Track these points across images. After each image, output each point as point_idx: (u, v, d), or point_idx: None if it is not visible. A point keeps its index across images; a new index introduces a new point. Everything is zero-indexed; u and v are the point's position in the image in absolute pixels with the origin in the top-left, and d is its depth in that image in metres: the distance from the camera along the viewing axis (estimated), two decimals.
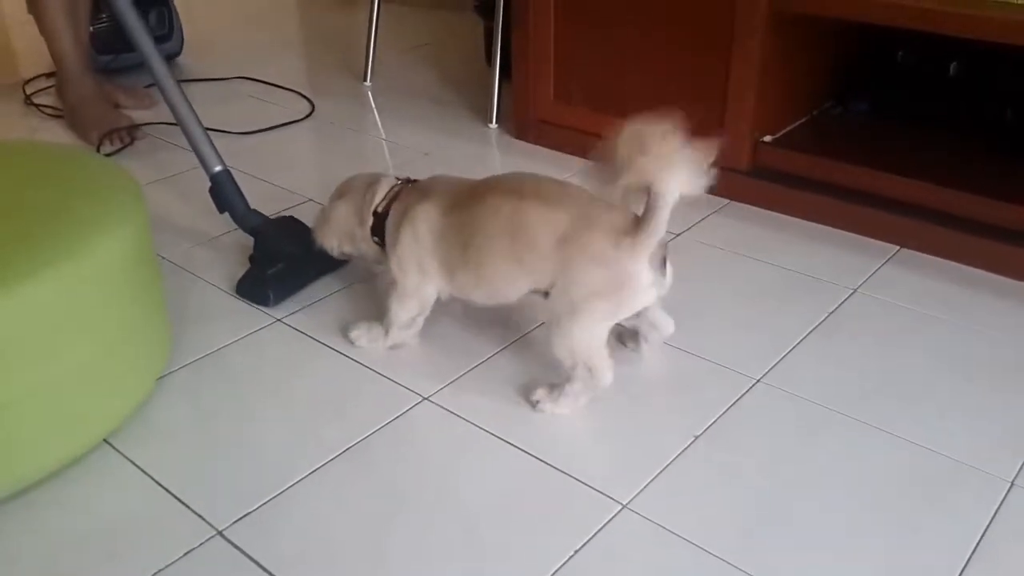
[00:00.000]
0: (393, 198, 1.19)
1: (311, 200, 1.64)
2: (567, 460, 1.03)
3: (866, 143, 1.61)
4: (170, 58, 2.39)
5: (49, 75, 2.19)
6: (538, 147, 1.87)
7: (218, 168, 1.35)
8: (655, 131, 0.95)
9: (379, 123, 2.06)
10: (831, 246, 1.47)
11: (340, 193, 1.25)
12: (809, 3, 1.45)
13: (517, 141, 1.91)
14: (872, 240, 1.48)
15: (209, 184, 1.37)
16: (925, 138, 1.61)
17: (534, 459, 1.04)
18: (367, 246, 1.23)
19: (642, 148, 0.94)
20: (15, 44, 2.67)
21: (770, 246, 1.47)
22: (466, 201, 1.11)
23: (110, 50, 2.19)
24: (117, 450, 1.06)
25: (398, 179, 1.22)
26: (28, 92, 2.18)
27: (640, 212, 1.00)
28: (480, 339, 1.25)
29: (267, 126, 2.00)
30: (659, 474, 1.01)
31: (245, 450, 1.06)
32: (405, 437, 1.08)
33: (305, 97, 2.17)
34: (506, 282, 1.10)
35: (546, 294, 1.09)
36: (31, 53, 2.40)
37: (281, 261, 1.35)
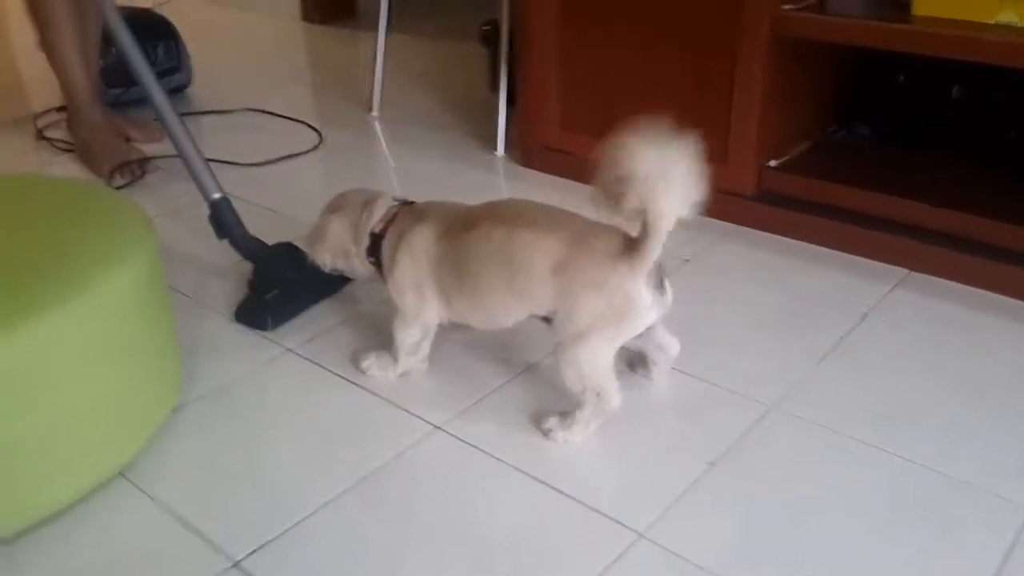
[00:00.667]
0: (391, 220, 1.18)
1: None
2: (581, 489, 1.03)
3: (871, 166, 1.62)
4: (179, 90, 2.42)
5: (60, 109, 2.21)
6: (544, 174, 1.88)
7: (216, 195, 1.37)
8: (652, 145, 0.95)
9: (386, 152, 2.07)
10: (840, 270, 1.48)
11: (334, 208, 1.24)
12: (810, 28, 1.47)
13: (523, 168, 1.92)
14: (881, 264, 1.48)
15: (208, 211, 1.39)
16: (930, 161, 1.62)
17: (548, 488, 1.04)
18: (361, 265, 1.22)
19: (640, 166, 0.94)
20: (26, 77, 2.70)
21: (779, 271, 1.48)
22: (460, 227, 1.11)
23: (120, 83, 2.22)
24: (132, 483, 1.07)
25: (395, 199, 1.22)
26: (40, 126, 2.20)
27: (636, 233, 1.00)
28: (491, 367, 1.25)
29: (275, 157, 2.02)
30: (674, 502, 1.01)
31: (259, 481, 1.06)
32: (418, 467, 1.08)
33: (312, 128, 2.19)
34: (502, 308, 1.11)
35: (546, 319, 1.10)
36: (42, 86, 2.43)
37: (279, 286, 1.37)
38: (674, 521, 0.98)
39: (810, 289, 1.42)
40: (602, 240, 1.03)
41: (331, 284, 1.42)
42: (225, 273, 1.53)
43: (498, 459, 1.09)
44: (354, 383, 1.23)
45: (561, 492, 1.03)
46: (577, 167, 1.83)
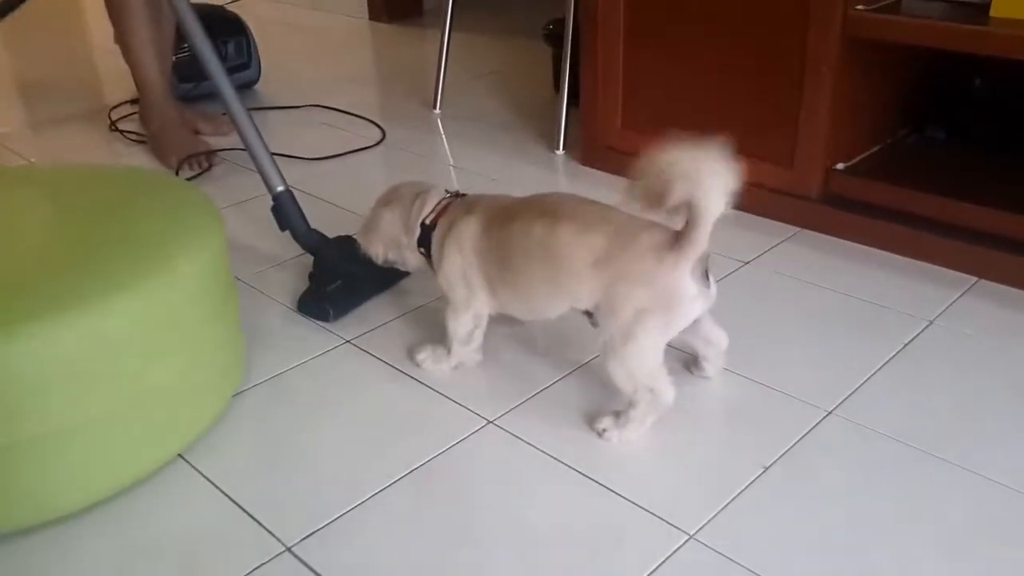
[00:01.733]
0: (441, 211, 1.20)
1: None
2: (633, 488, 1.03)
3: (943, 171, 1.57)
4: (248, 86, 2.47)
5: (133, 102, 2.28)
6: (605, 173, 1.87)
7: (280, 188, 1.40)
8: (695, 152, 0.95)
9: (448, 149, 2.09)
10: (906, 276, 1.44)
11: (386, 200, 1.26)
12: (883, 29, 1.43)
13: (584, 167, 1.91)
14: (949, 271, 1.44)
15: (272, 203, 1.42)
16: (1003, 166, 1.57)
17: (599, 486, 1.03)
18: (412, 256, 1.24)
19: (683, 165, 0.95)
20: (101, 71, 2.79)
21: (842, 275, 1.45)
22: (504, 219, 1.12)
23: (192, 78, 2.27)
24: (192, 465, 1.09)
25: (447, 192, 1.23)
26: (113, 118, 2.27)
27: (679, 228, 1.00)
28: (545, 364, 1.25)
29: (338, 152, 2.05)
30: (727, 505, 0.99)
31: (314, 468, 1.08)
32: (469, 460, 1.08)
33: (376, 124, 2.22)
34: (544, 301, 1.12)
35: (588, 313, 1.10)
36: (117, 80, 2.51)
37: (340, 278, 1.39)
38: (725, 524, 0.97)
39: (874, 294, 1.39)
40: (646, 233, 1.03)
41: (390, 277, 1.44)
42: (287, 265, 1.56)
43: (549, 455, 1.08)
44: (409, 375, 1.24)
45: (612, 490, 1.02)
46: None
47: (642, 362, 1.04)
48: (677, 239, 1.00)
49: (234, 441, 1.14)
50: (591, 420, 1.12)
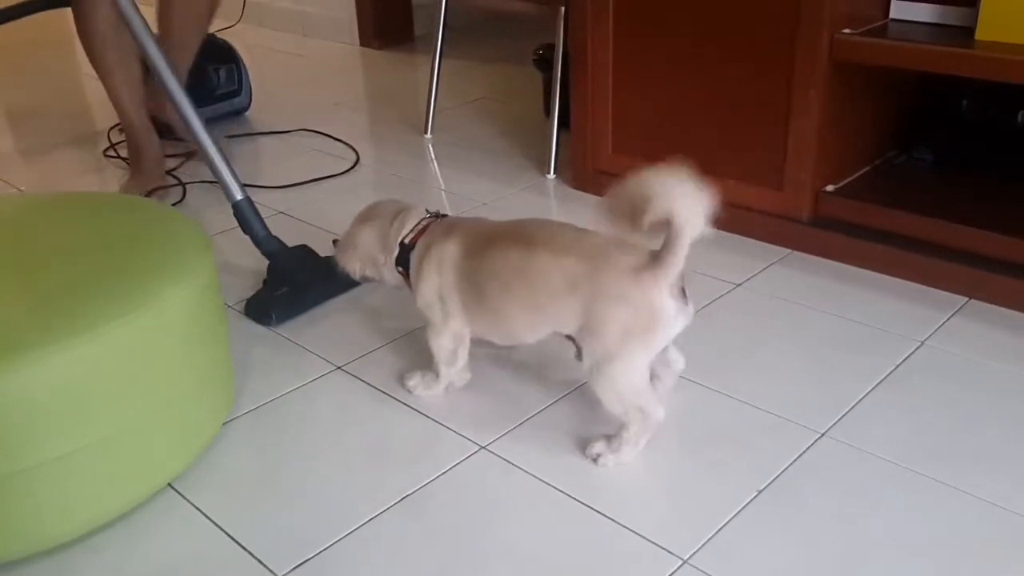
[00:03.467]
0: (421, 231, 1.20)
1: None
2: (626, 513, 1.02)
3: (931, 192, 1.58)
4: (239, 112, 2.47)
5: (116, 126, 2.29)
6: (596, 197, 1.88)
7: (239, 197, 1.46)
8: (670, 173, 0.96)
9: (439, 174, 2.09)
10: (896, 297, 1.44)
11: (365, 218, 1.26)
12: (869, 53, 1.45)
13: (575, 191, 1.92)
14: (939, 291, 1.45)
15: (232, 211, 1.48)
16: (991, 188, 1.58)
17: (592, 511, 1.03)
18: (390, 274, 1.24)
19: (661, 185, 0.96)
20: (91, 98, 2.79)
21: (833, 297, 1.45)
22: (482, 245, 1.13)
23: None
24: (181, 494, 1.08)
25: (427, 212, 1.23)
26: (113, 140, 2.27)
27: (657, 248, 1.01)
28: (536, 389, 1.25)
29: (325, 175, 2.05)
30: (720, 529, 0.99)
31: (304, 496, 1.07)
32: (462, 486, 1.08)
33: (353, 149, 2.22)
34: (523, 326, 1.12)
35: (571, 338, 1.10)
36: (107, 107, 2.51)
37: (287, 285, 1.44)
38: (719, 548, 0.96)
39: (865, 315, 1.39)
40: (623, 254, 1.03)
41: (337, 286, 1.49)
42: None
43: (543, 481, 1.08)
44: (400, 401, 1.24)
45: (605, 515, 1.02)
46: None
47: (628, 382, 1.04)
48: (654, 258, 1.01)
49: (224, 470, 1.13)
50: (583, 445, 1.12)
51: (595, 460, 1.09)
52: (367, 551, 0.98)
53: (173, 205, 1.93)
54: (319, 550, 0.99)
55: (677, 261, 0.99)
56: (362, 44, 3.27)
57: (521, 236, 1.10)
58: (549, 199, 1.91)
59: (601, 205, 1.00)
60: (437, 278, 1.16)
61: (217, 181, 1.47)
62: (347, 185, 2.03)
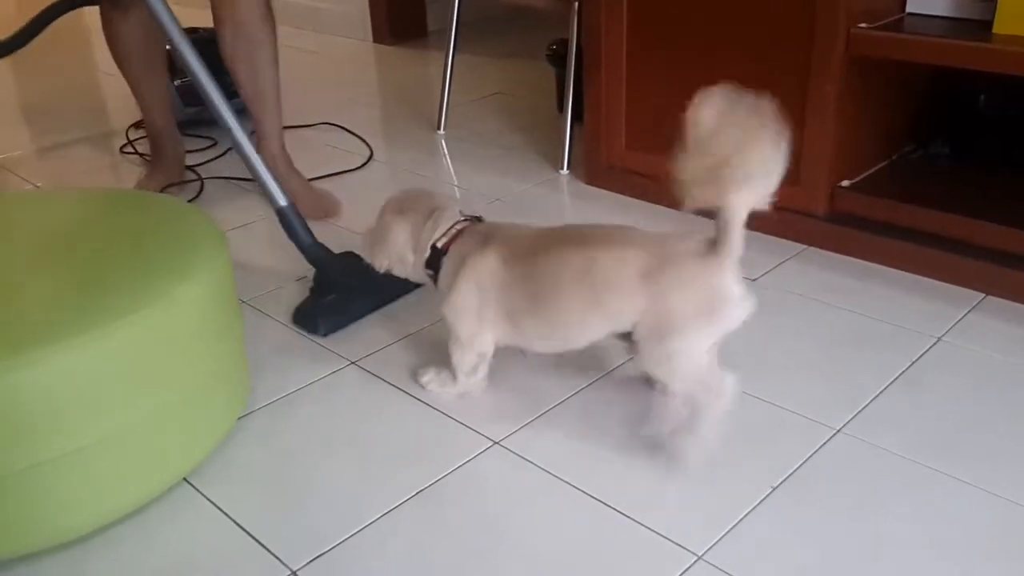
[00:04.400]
0: (455, 236, 1.17)
1: None
2: (640, 508, 1.02)
3: (948, 188, 1.57)
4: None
5: (138, 124, 2.30)
6: (609, 192, 1.87)
7: (283, 203, 1.43)
8: (738, 104, 0.94)
9: (451, 169, 2.09)
10: (913, 293, 1.43)
11: (398, 210, 1.22)
12: (886, 47, 1.44)
13: (588, 187, 1.92)
14: (956, 287, 1.44)
15: (277, 218, 1.44)
16: (1009, 183, 1.57)
17: (606, 507, 1.02)
18: (416, 274, 1.22)
19: (727, 121, 0.95)
20: (107, 95, 2.80)
21: (849, 293, 1.44)
22: (530, 252, 1.10)
23: (196, 102, 2.29)
24: (196, 489, 1.09)
25: (462, 214, 1.20)
26: (131, 137, 2.28)
27: (712, 235, 1.00)
28: (550, 384, 1.25)
29: (338, 170, 2.05)
30: (735, 525, 0.99)
31: (319, 491, 1.07)
32: (475, 481, 1.08)
33: (367, 144, 2.22)
34: (582, 329, 1.10)
35: (623, 336, 1.09)
36: (122, 104, 2.52)
37: (336, 292, 1.41)
38: (734, 545, 0.96)
39: (880, 312, 1.38)
40: (682, 243, 1.03)
41: (388, 293, 1.45)
42: (291, 286, 1.56)
43: (556, 476, 1.08)
44: (415, 397, 1.24)
45: (618, 511, 1.02)
46: (641, 185, 1.83)
47: (691, 362, 1.03)
48: (714, 244, 1.00)
49: (239, 464, 1.13)
50: (598, 440, 1.12)
51: (676, 456, 1.07)
52: (381, 546, 0.99)
53: (190, 200, 1.93)
54: (333, 544, 0.99)
55: (736, 245, 0.99)
56: (375, 40, 3.28)
57: (573, 238, 1.09)
58: (563, 195, 1.91)
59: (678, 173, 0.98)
60: (476, 293, 1.13)
61: (258, 185, 1.44)
62: (360, 181, 2.03)
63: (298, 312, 1.42)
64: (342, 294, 1.41)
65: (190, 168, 2.08)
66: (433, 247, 1.18)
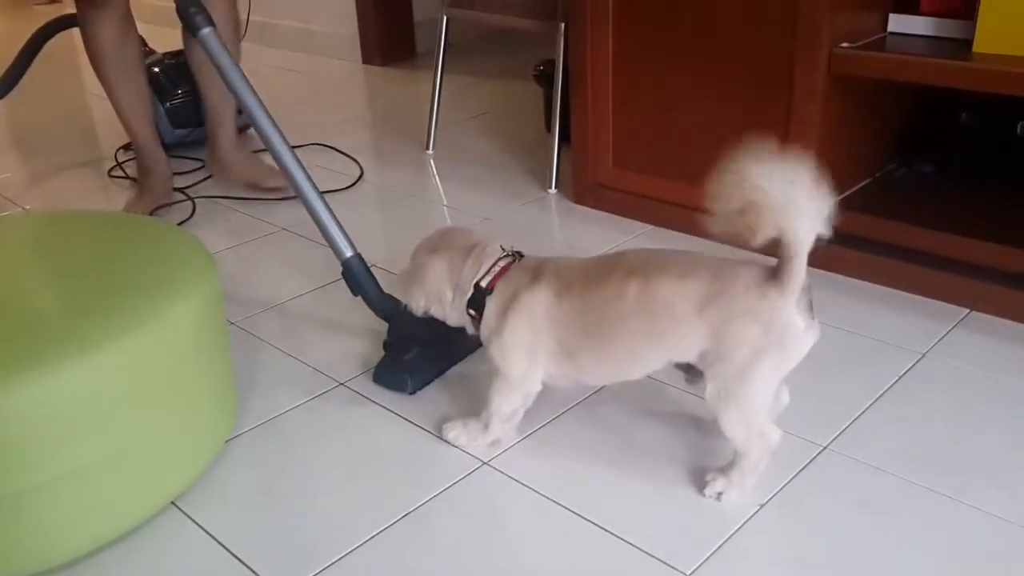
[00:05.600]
0: (499, 274, 1.12)
1: (375, 265, 1.67)
2: (628, 528, 1.02)
3: (932, 204, 1.59)
4: (243, 130, 2.49)
5: (126, 147, 2.30)
6: (597, 211, 1.88)
7: (349, 254, 1.34)
8: (769, 168, 0.92)
9: (440, 189, 2.10)
10: (897, 309, 1.44)
11: (434, 248, 1.16)
12: (868, 66, 1.45)
13: (576, 206, 1.93)
14: (940, 303, 1.45)
15: (341, 269, 1.36)
16: (992, 199, 1.58)
17: (594, 526, 1.03)
18: (456, 315, 1.16)
19: (764, 192, 0.91)
20: (97, 119, 2.81)
21: (834, 309, 1.45)
22: (583, 283, 1.07)
23: (186, 124, 2.30)
24: (184, 512, 1.08)
25: (503, 249, 1.15)
26: (119, 160, 2.29)
27: (774, 262, 0.98)
28: (538, 405, 1.24)
29: (328, 189, 2.06)
30: (723, 544, 0.99)
31: (307, 513, 1.07)
32: (465, 502, 1.08)
33: (357, 164, 2.23)
34: (640, 360, 1.07)
35: (685, 368, 1.07)
36: (112, 127, 2.52)
37: (416, 346, 1.32)
38: (722, 563, 0.96)
39: (865, 328, 1.39)
40: (743, 272, 0.99)
41: (468, 343, 1.34)
42: (280, 309, 1.56)
43: (545, 496, 1.08)
44: (402, 417, 1.24)
45: (607, 530, 1.02)
46: (629, 204, 1.84)
47: (757, 405, 1.00)
48: (776, 274, 0.97)
49: (227, 487, 1.13)
50: (584, 459, 1.12)
51: (718, 498, 1.05)
52: (370, 568, 0.99)
53: (182, 223, 1.94)
54: (322, 567, 0.99)
55: (799, 274, 0.96)
56: (364, 61, 3.29)
57: (633, 268, 1.04)
58: (551, 213, 1.92)
59: (711, 222, 0.94)
60: (529, 331, 1.08)
61: (323, 236, 1.36)
62: (350, 200, 2.04)
63: (380, 370, 1.33)
64: (423, 347, 1.32)
65: (180, 190, 2.09)
66: (476, 286, 1.13)
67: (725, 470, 1.06)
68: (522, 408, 1.15)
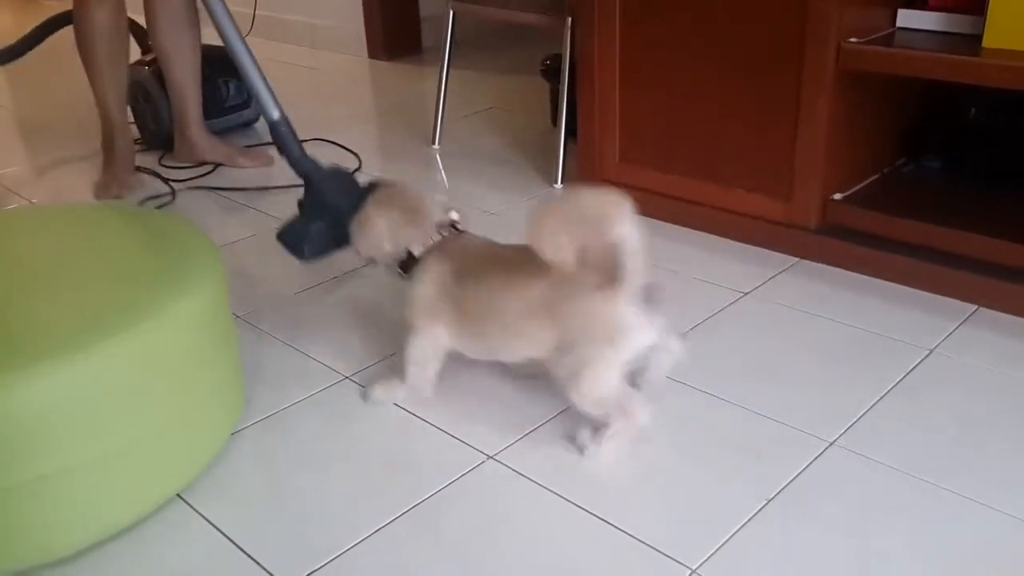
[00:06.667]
0: (430, 245, 1.24)
1: None
2: (635, 522, 1.02)
3: (940, 200, 1.58)
4: (248, 125, 2.49)
5: (136, 140, 2.30)
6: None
7: (277, 115, 1.44)
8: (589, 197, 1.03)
9: (446, 184, 2.10)
10: (905, 305, 1.44)
11: (383, 204, 1.28)
12: (876, 62, 1.45)
13: None
14: (948, 299, 1.44)
15: (270, 130, 1.46)
16: (1000, 195, 1.58)
17: (600, 520, 1.02)
18: (390, 269, 1.29)
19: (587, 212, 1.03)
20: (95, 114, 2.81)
21: (842, 305, 1.45)
22: (476, 271, 1.18)
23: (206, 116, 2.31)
24: (190, 505, 1.09)
25: (439, 223, 1.25)
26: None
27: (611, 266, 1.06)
28: (543, 398, 1.25)
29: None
30: (729, 538, 0.99)
31: (313, 507, 1.07)
32: (470, 496, 1.08)
33: (357, 156, 2.24)
34: (506, 348, 1.19)
35: (545, 360, 1.14)
36: None
37: (325, 217, 1.40)
38: (727, 558, 0.96)
39: (873, 324, 1.39)
40: (587, 275, 1.07)
41: None
42: (287, 302, 1.56)
43: (550, 490, 1.08)
44: (408, 411, 1.24)
45: (613, 525, 1.02)
46: (635, 199, 1.83)
47: (603, 388, 1.09)
48: (613, 276, 1.06)
49: (232, 480, 1.13)
50: (595, 453, 1.12)
51: (581, 451, 1.13)
52: (375, 561, 0.99)
53: (161, 207, 1.98)
54: (327, 560, 0.99)
55: (629, 274, 1.05)
56: (371, 56, 3.29)
57: (509, 261, 1.16)
58: None
59: (543, 251, 1.04)
60: (430, 299, 1.21)
61: (253, 95, 1.49)
62: None
63: (284, 231, 1.42)
64: (332, 220, 1.39)
65: (167, 181, 2.11)
66: (410, 254, 1.24)
67: (595, 428, 1.13)
68: (435, 360, 1.24)
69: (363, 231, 1.28)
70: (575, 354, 1.09)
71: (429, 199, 1.29)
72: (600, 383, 1.09)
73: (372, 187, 1.31)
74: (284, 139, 1.44)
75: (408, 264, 1.25)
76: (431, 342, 1.22)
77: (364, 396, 1.28)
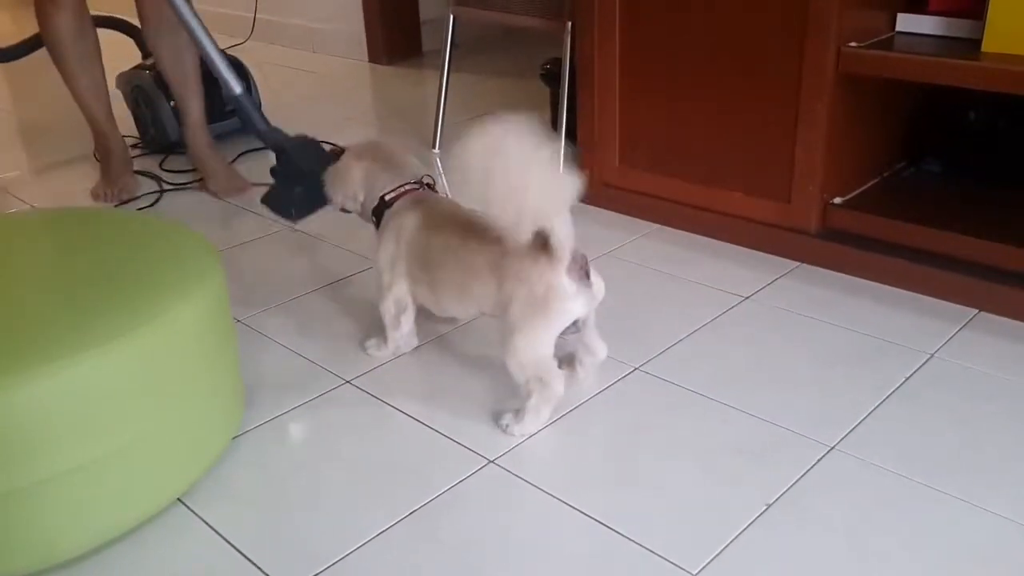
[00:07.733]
0: (401, 194, 1.30)
1: None
2: (635, 527, 1.02)
3: (940, 204, 1.58)
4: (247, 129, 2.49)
5: (134, 145, 2.31)
6: (603, 210, 1.88)
7: (239, 90, 1.51)
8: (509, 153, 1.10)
9: (446, 188, 2.09)
10: (905, 310, 1.44)
11: (360, 155, 1.34)
12: (875, 66, 1.45)
13: (582, 205, 1.92)
14: (949, 303, 1.44)
15: (231, 106, 1.55)
16: (1000, 199, 1.58)
17: (601, 525, 1.02)
18: (364, 215, 1.36)
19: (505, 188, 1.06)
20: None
21: (842, 309, 1.45)
22: (439, 227, 1.24)
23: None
24: (190, 509, 1.08)
25: (414, 176, 1.32)
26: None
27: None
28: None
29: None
30: (730, 543, 0.99)
31: (313, 511, 1.07)
32: (470, 500, 1.08)
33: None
34: (455, 303, 1.25)
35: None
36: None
37: (303, 180, 1.48)
38: (728, 563, 0.96)
39: (873, 328, 1.39)
40: (530, 241, 1.11)
41: None
42: (287, 306, 1.56)
43: (551, 495, 1.08)
44: (409, 416, 1.24)
45: (613, 529, 1.02)
46: (635, 203, 1.84)
47: (529, 353, 1.14)
48: (546, 242, 1.10)
49: (233, 485, 1.13)
50: (590, 459, 1.12)
51: (504, 430, 1.18)
52: (376, 566, 0.98)
53: (151, 206, 2.02)
54: (328, 564, 0.99)
55: (564, 243, 1.08)
56: (371, 60, 3.29)
57: (468, 224, 1.20)
58: None
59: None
60: (392, 245, 1.28)
61: (214, 73, 1.54)
62: None
63: (269, 196, 1.50)
64: (309, 182, 1.46)
65: (157, 179, 2.12)
66: (382, 198, 1.31)
67: (516, 410, 1.19)
68: (403, 315, 1.32)
69: (340, 180, 1.34)
70: (513, 313, 1.13)
71: (407, 152, 1.35)
72: (534, 346, 1.13)
73: (342, 150, 1.38)
74: (248, 112, 1.51)
75: (380, 211, 1.31)
76: (396, 302, 1.30)
77: (363, 349, 1.38)
